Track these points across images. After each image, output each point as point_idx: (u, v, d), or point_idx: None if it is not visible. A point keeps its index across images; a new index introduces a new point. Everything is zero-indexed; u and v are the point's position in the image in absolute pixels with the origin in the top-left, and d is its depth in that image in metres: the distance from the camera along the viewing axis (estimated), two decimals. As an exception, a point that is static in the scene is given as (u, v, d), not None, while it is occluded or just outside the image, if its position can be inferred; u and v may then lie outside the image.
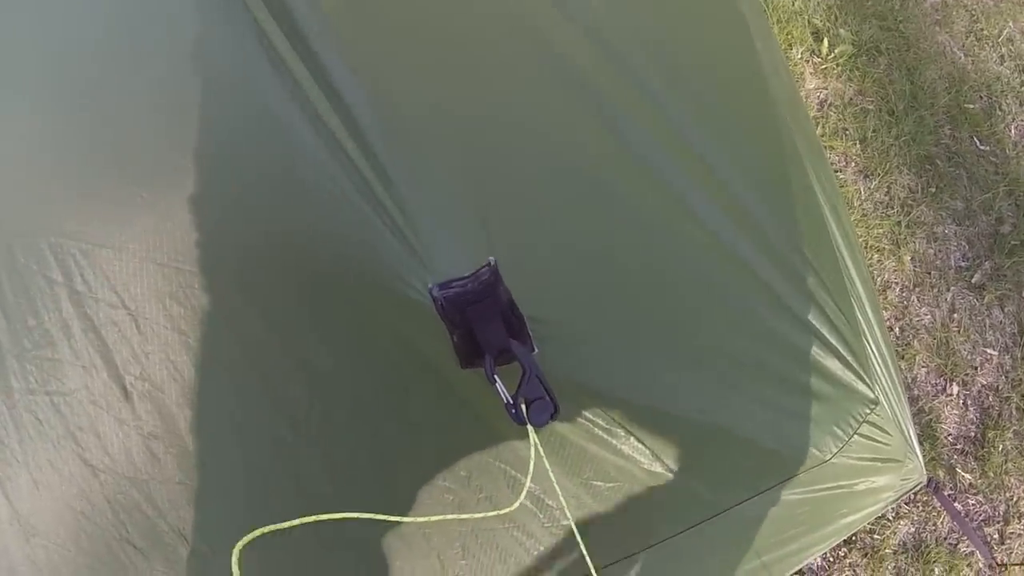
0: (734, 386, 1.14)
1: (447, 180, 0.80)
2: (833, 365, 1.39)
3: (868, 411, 1.51)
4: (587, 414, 0.96)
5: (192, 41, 0.86)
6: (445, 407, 0.89)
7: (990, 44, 2.80)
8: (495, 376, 0.75)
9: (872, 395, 1.51)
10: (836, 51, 2.47)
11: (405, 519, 0.86)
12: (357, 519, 0.81)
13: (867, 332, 1.53)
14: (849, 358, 1.44)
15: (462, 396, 0.87)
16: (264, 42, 0.78)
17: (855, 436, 1.49)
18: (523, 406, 0.75)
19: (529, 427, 0.76)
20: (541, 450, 0.77)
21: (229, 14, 0.82)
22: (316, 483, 0.96)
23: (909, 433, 1.67)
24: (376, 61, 0.81)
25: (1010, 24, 2.92)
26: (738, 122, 1.38)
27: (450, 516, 0.87)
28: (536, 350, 0.81)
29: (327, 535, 1.00)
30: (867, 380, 1.49)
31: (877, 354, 1.56)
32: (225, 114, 0.82)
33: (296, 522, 0.76)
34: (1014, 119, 2.63)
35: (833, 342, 1.40)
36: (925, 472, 1.72)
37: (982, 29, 2.83)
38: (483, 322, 0.75)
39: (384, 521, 0.84)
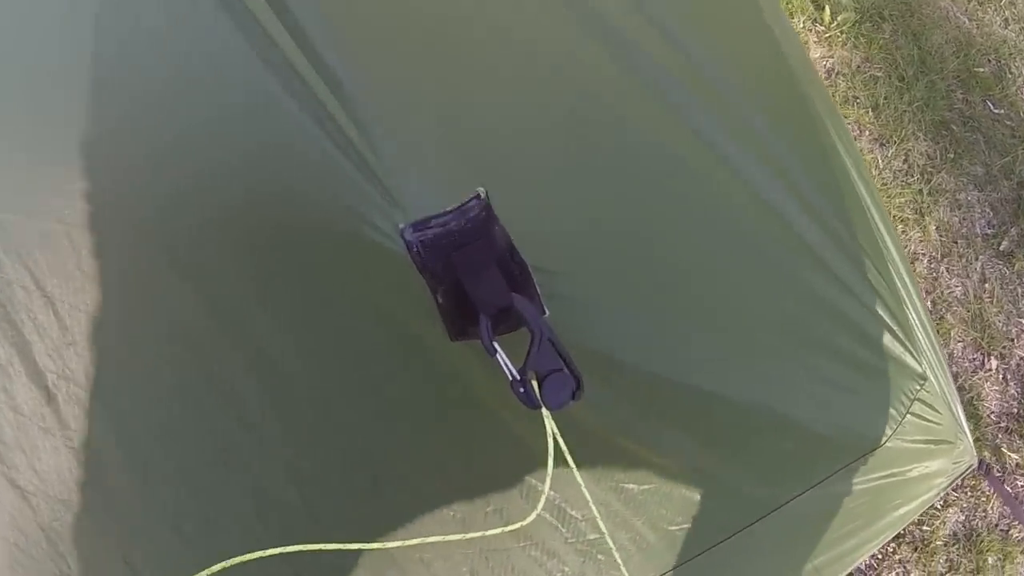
0: (785, 359, 0.93)
1: (419, 90, 0.58)
2: (884, 336, 1.18)
3: (918, 387, 1.30)
4: (613, 395, 0.73)
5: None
6: (435, 393, 0.67)
7: (993, 8, 2.62)
8: (495, 344, 0.53)
9: (920, 369, 1.29)
10: (839, 19, 2.26)
11: (392, 544, 0.64)
12: (328, 550, 0.59)
13: (907, 301, 1.32)
14: (896, 329, 1.22)
15: (456, 377, 0.65)
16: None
17: (907, 415, 1.28)
18: (534, 383, 0.54)
19: (544, 412, 0.54)
20: (563, 443, 0.55)
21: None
22: (279, 494, 0.73)
23: (957, 411, 1.45)
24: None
25: None
26: (764, 81, 1.18)
27: (452, 537, 0.64)
28: (547, 312, 0.60)
29: (300, 562, 0.78)
30: (914, 353, 1.27)
31: (919, 325, 1.34)
32: (124, 23, 0.61)
33: (245, 558, 0.54)
34: (1025, 82, 2.44)
35: (880, 312, 1.19)
36: (975, 454, 1.51)
37: (983, -9, 2.66)
38: (474, 272, 0.54)
39: (367, 549, 0.62)
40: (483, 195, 0.55)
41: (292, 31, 0.55)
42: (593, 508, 0.61)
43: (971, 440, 1.49)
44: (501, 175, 0.61)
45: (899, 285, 1.30)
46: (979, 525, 1.70)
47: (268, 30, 0.56)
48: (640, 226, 0.75)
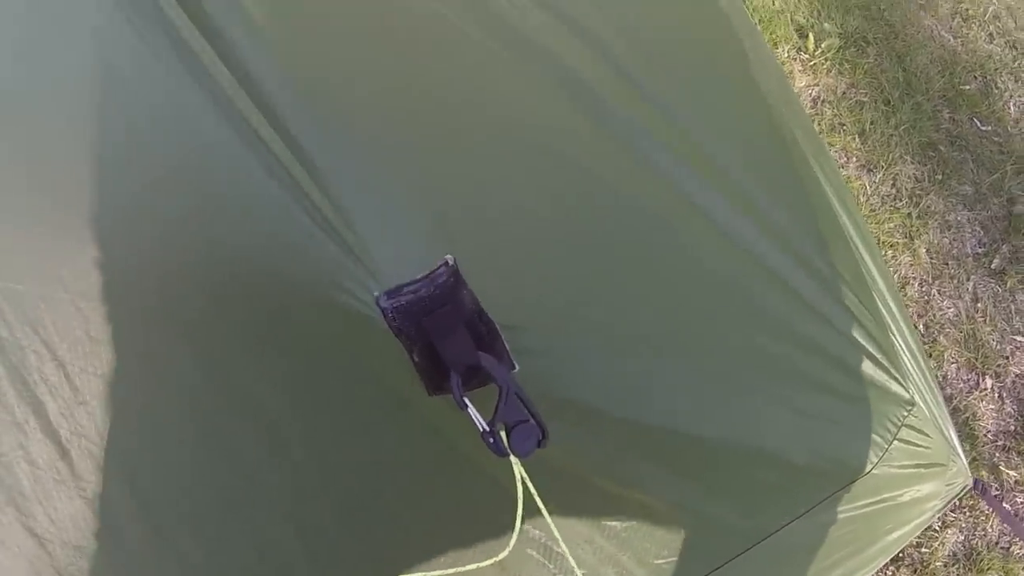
0: (756, 394, 0.97)
1: (388, 164, 0.64)
2: (865, 365, 1.22)
3: (905, 413, 1.34)
4: (588, 440, 0.79)
5: (91, 34, 0.72)
6: (421, 445, 0.73)
7: (977, 24, 2.69)
8: (465, 400, 0.59)
9: (907, 395, 1.33)
10: (823, 46, 2.33)
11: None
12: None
13: (893, 328, 1.36)
14: (880, 357, 1.26)
15: (439, 430, 0.70)
16: (167, 27, 0.64)
17: (894, 442, 1.32)
18: (503, 433, 0.59)
19: (513, 458, 0.60)
20: (532, 488, 0.60)
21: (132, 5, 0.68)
22: (281, 542, 0.79)
23: (949, 433, 1.49)
24: (292, 30, 0.67)
25: (995, 1, 2.80)
26: (735, 116, 1.23)
27: (435, 573, 0.70)
28: (516, 367, 0.65)
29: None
30: (900, 379, 1.31)
31: (906, 350, 1.39)
32: (128, 115, 0.68)
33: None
34: (1011, 96, 2.49)
35: (861, 340, 1.23)
36: (970, 474, 1.54)
37: (967, 9, 2.72)
38: (443, 335, 0.60)
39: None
40: (451, 262, 0.61)
41: (273, 122, 0.62)
42: (563, 546, 0.66)
43: (965, 461, 1.53)
44: (471, 238, 0.67)
45: (884, 312, 1.35)
46: (979, 544, 1.72)
47: (249, 119, 0.62)
48: (609, 276, 0.81)
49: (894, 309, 1.39)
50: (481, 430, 0.60)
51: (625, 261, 0.81)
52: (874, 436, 1.24)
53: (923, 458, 1.38)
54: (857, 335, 1.22)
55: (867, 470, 1.22)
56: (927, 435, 1.38)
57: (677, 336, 0.87)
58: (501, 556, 0.63)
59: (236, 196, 0.63)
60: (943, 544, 1.69)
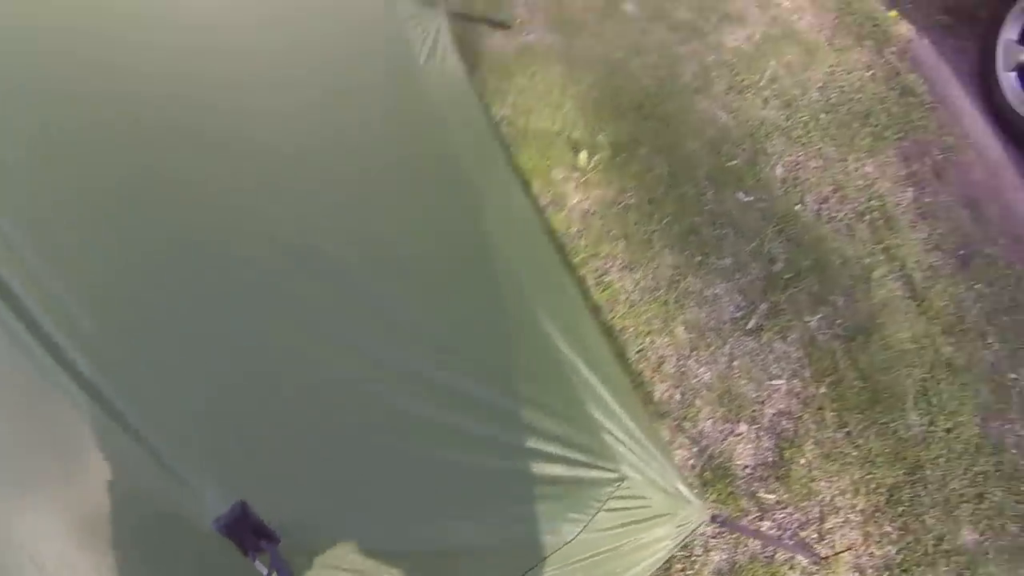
0: (448, 513, 2.19)
1: (197, 451, 1.89)
2: (554, 469, 2.26)
3: (612, 490, 2.38)
4: (335, 563, 2.03)
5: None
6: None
7: (752, 92, 3.70)
8: (257, 562, 1.84)
9: (615, 475, 2.38)
10: (595, 159, 3.45)
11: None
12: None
13: (612, 426, 2.42)
14: (578, 456, 2.30)
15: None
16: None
17: (601, 513, 2.35)
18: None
19: (277, 585, 1.84)
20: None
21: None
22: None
23: (677, 487, 2.61)
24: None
25: (772, 63, 3.85)
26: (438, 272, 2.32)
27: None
28: (280, 540, 1.90)
29: None
30: (606, 466, 2.36)
31: (625, 437, 2.47)
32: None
33: None
34: (780, 158, 3.54)
35: (558, 452, 2.29)
36: (707, 511, 2.69)
37: (743, 80, 3.73)
38: (242, 534, 1.83)
39: None
40: (239, 502, 1.85)
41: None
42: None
43: (699, 502, 2.66)
44: (260, 474, 1.91)
45: (599, 417, 2.52)
46: (742, 559, 2.86)
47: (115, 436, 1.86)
48: (336, 463, 2.05)
49: (615, 407, 2.55)
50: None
51: (348, 446, 2.04)
52: (572, 515, 2.41)
53: (639, 516, 2.42)
54: (553, 449, 2.38)
55: (567, 541, 2.38)
56: (644, 497, 2.41)
57: (395, 483, 2.10)
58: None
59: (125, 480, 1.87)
60: (706, 564, 2.87)
